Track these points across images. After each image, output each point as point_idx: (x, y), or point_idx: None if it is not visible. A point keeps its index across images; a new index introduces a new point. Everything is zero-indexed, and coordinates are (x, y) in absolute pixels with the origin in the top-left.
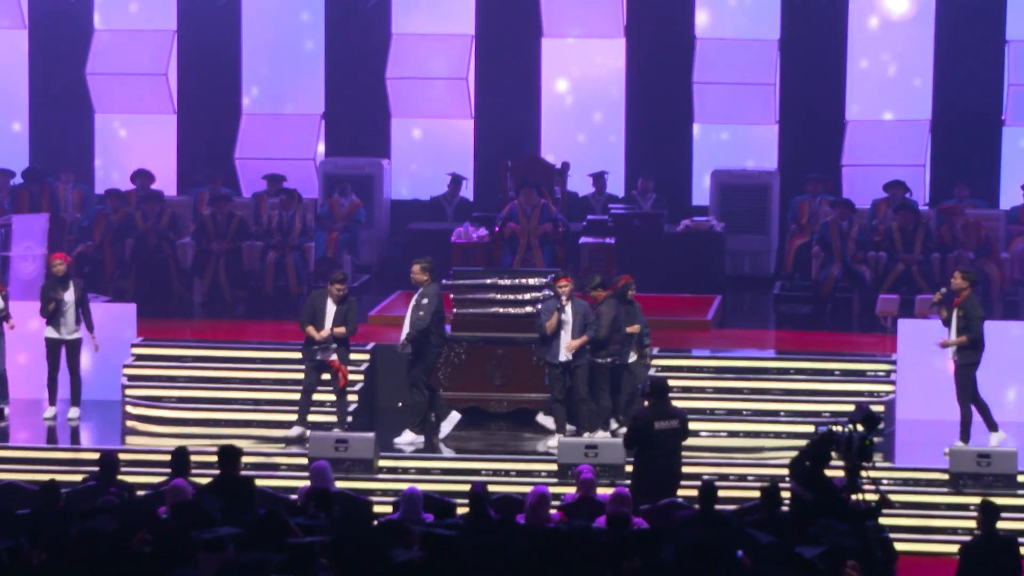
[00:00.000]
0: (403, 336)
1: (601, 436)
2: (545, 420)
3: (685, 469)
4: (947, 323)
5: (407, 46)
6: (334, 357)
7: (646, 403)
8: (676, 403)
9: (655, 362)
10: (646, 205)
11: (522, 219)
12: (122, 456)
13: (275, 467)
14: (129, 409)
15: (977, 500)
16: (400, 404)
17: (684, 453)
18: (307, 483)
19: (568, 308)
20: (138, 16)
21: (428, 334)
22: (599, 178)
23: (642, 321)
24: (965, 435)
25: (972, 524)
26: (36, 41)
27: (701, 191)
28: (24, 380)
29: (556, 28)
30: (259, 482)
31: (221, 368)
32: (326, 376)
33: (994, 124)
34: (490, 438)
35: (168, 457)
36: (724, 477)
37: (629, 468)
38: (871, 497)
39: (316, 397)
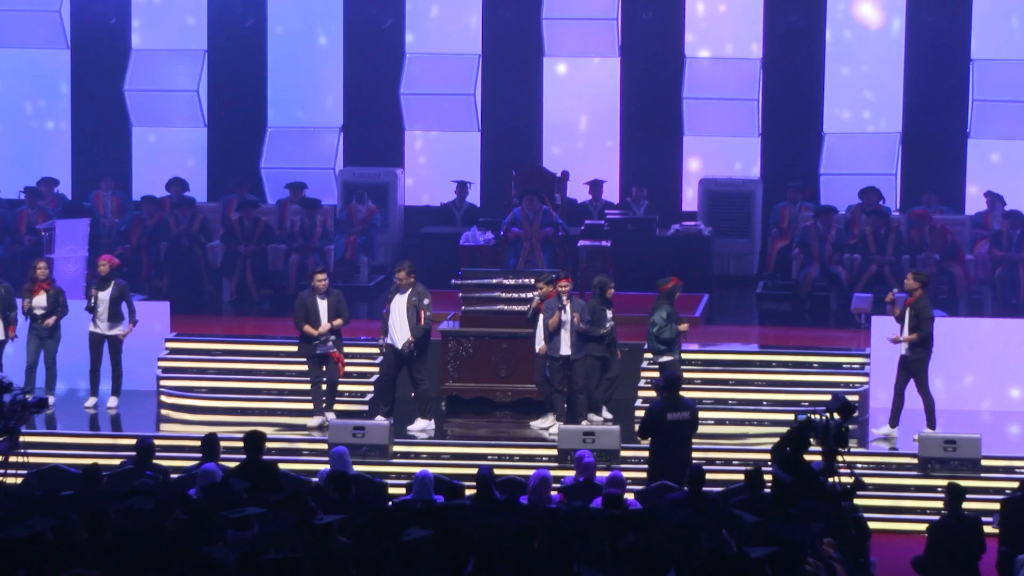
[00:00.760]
0: (407, 336)
1: (597, 420)
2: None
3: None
4: (900, 320)
5: (419, 65)
6: (333, 349)
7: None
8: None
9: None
10: (639, 211)
11: (525, 224)
12: (157, 442)
13: (297, 452)
14: (163, 399)
15: (944, 483)
16: (412, 395)
17: None
18: (327, 467)
19: (568, 307)
20: (172, 37)
21: (428, 330)
22: (596, 186)
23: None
24: (931, 422)
25: (939, 505)
26: (78, 60)
27: (689, 198)
28: (68, 372)
29: (556, 48)
30: (283, 466)
31: (248, 361)
32: (324, 368)
33: (959, 137)
34: (495, 425)
35: (199, 443)
36: (711, 462)
37: (624, 453)
38: (846, 480)
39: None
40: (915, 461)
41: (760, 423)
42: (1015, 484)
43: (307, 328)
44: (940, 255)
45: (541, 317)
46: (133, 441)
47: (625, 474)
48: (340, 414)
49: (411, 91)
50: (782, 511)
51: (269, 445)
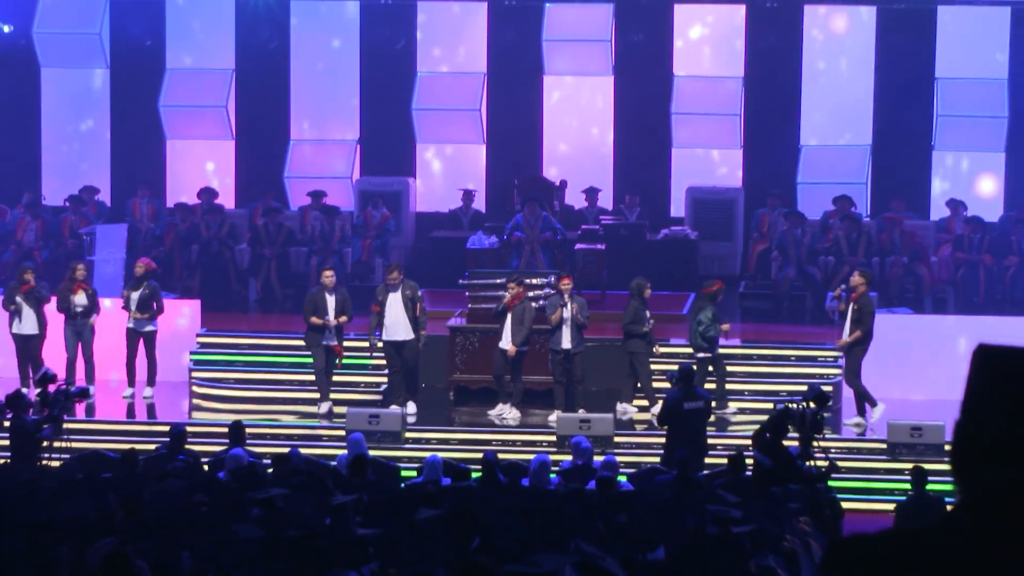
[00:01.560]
0: (407, 328)
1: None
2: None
3: (660, 440)
4: (843, 315)
5: (429, 83)
6: (335, 342)
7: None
8: (666, 384)
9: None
10: (631, 217)
11: (527, 229)
12: (189, 429)
13: (318, 438)
14: (195, 389)
15: (910, 466)
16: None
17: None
18: (345, 451)
19: (569, 304)
20: (203, 57)
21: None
22: (591, 194)
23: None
24: (871, 403)
25: (906, 486)
26: (116, 78)
27: (678, 204)
28: (107, 365)
29: (555, 67)
30: (303, 451)
31: (272, 354)
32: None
33: (925, 149)
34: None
35: (227, 429)
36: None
37: (617, 439)
38: (821, 463)
39: (350, 379)
40: (884, 446)
41: (742, 411)
42: None
43: (314, 319)
44: (908, 257)
45: (509, 316)
46: (167, 428)
47: (618, 458)
48: (357, 403)
49: (422, 107)
50: (762, 492)
51: (291, 431)
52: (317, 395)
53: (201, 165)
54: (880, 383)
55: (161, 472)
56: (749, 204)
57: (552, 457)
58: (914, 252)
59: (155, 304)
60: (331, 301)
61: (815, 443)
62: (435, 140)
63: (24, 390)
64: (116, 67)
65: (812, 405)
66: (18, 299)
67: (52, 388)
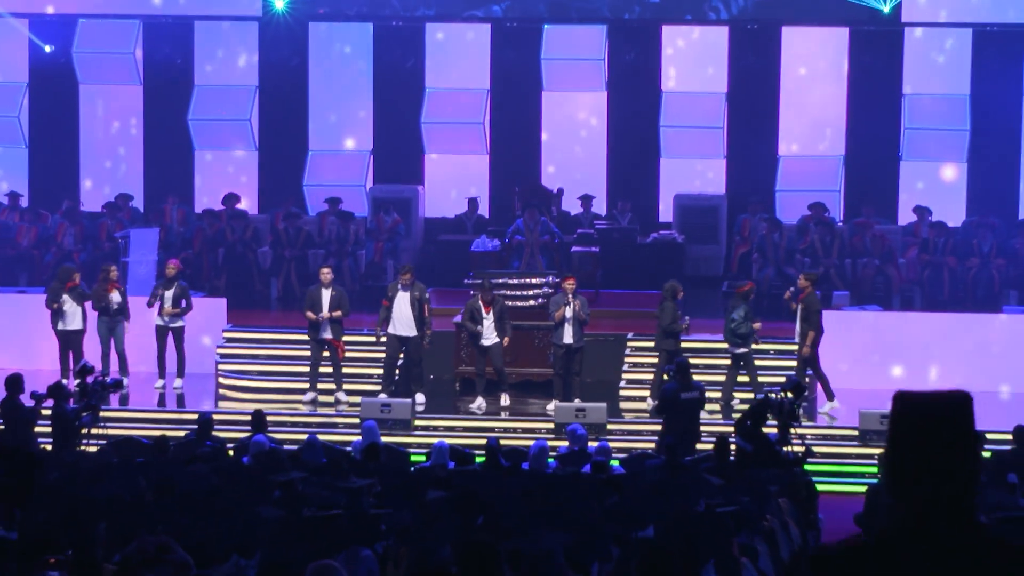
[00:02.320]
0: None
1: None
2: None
3: (652, 427)
4: (794, 313)
5: (437, 98)
6: (330, 336)
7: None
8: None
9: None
10: (623, 221)
11: (527, 232)
12: (215, 417)
13: (334, 425)
14: (221, 380)
15: (879, 451)
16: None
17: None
18: (359, 438)
19: (572, 302)
20: (228, 74)
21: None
22: (587, 200)
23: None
24: (829, 394)
25: (875, 470)
26: (149, 94)
27: (666, 210)
28: (140, 358)
29: (553, 84)
30: (321, 437)
31: (292, 348)
32: (326, 353)
33: (893, 159)
34: (501, 403)
35: (250, 418)
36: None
37: (610, 427)
38: (798, 449)
39: (364, 371)
40: (855, 433)
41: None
42: None
43: (308, 314)
44: (878, 259)
45: (490, 316)
46: (195, 416)
47: (611, 444)
48: (367, 394)
49: (430, 120)
50: (744, 475)
51: (310, 419)
52: (332, 386)
53: (226, 174)
54: (852, 374)
55: (190, 456)
56: (732, 210)
57: (550, 443)
58: (883, 254)
59: (184, 302)
60: (326, 296)
61: (792, 430)
62: (442, 151)
63: (64, 381)
64: (148, 84)
65: (790, 395)
66: (65, 297)
67: (90, 379)
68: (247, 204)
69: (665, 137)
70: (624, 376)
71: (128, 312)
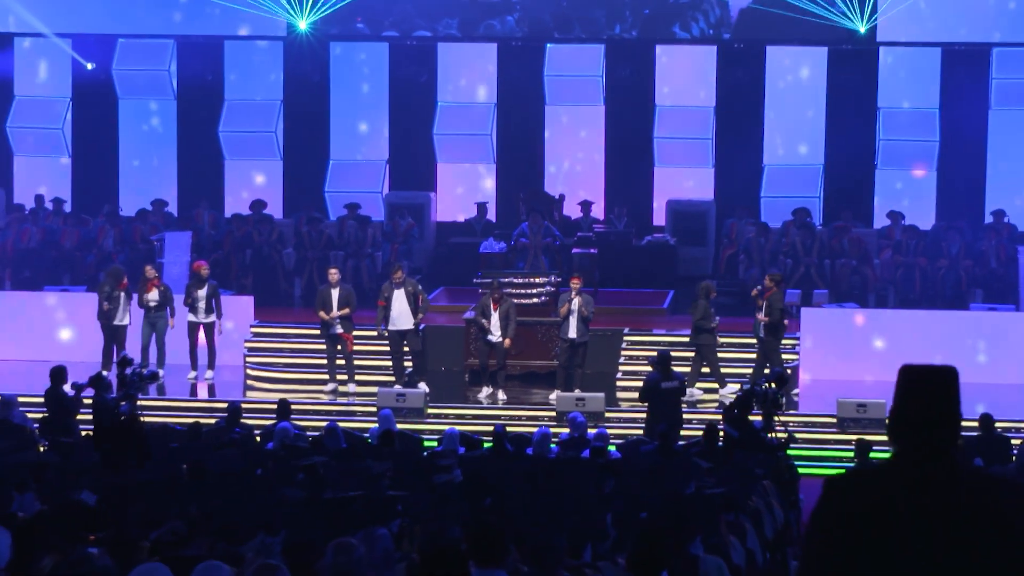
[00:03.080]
0: (411, 320)
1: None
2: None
3: (643, 415)
4: (759, 308)
5: (448, 111)
6: (341, 331)
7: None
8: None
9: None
10: (620, 225)
11: (530, 235)
12: (244, 405)
13: (352, 413)
14: (249, 371)
15: (855, 438)
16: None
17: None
18: (376, 425)
19: (576, 298)
20: (255, 89)
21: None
22: (586, 206)
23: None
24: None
25: (852, 455)
26: (182, 108)
27: (659, 215)
28: (174, 351)
29: (555, 98)
30: (341, 424)
31: (314, 342)
32: (338, 347)
33: (869, 168)
34: (507, 392)
35: (275, 406)
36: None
37: (608, 415)
38: (781, 435)
39: (379, 363)
40: (834, 420)
41: (714, 391)
42: None
43: (321, 313)
44: (855, 260)
45: (496, 314)
46: (225, 405)
47: (608, 431)
48: (380, 384)
49: (442, 132)
50: (731, 460)
51: (328, 408)
52: (345, 376)
53: (253, 181)
54: (830, 366)
55: (220, 442)
56: (720, 214)
57: (552, 430)
58: (860, 255)
59: (214, 301)
60: (335, 295)
61: (776, 418)
62: (452, 160)
63: (104, 372)
64: (182, 98)
65: (773, 386)
66: (116, 294)
67: (128, 370)
68: (272, 209)
69: (658, 147)
70: (621, 368)
71: (174, 308)
